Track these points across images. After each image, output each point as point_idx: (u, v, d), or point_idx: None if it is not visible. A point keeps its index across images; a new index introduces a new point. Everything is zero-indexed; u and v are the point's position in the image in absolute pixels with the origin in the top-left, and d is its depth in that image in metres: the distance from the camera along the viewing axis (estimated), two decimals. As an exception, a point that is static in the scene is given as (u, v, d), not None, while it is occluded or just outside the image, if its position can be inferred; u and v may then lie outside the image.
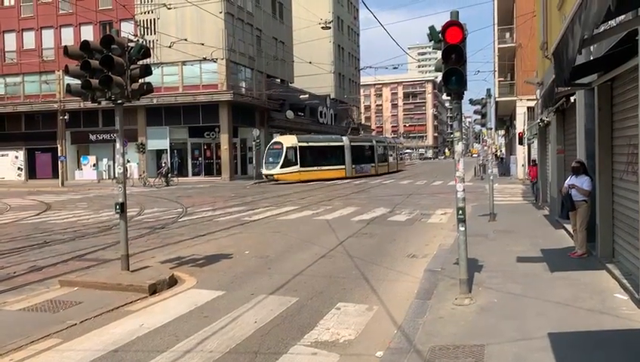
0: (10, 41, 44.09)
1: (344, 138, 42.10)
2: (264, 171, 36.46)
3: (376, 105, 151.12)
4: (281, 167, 35.79)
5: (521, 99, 31.97)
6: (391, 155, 51.49)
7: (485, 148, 29.54)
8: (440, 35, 6.54)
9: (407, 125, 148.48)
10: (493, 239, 11.29)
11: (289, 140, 37.31)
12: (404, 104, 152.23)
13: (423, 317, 6.10)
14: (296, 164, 36.43)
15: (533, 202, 18.61)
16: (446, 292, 7.06)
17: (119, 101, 8.24)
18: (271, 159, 36.23)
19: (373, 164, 45.18)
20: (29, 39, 43.66)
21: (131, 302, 7.20)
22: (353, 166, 41.57)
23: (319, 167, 38.10)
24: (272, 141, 39.15)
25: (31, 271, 9.33)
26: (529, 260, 8.91)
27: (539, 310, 6.19)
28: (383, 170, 47.39)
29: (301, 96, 49.24)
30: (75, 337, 5.84)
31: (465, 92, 6.84)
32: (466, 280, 6.86)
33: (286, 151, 36.13)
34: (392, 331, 5.82)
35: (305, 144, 37.54)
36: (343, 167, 40.26)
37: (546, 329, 5.49)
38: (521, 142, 29.82)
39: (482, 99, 15.28)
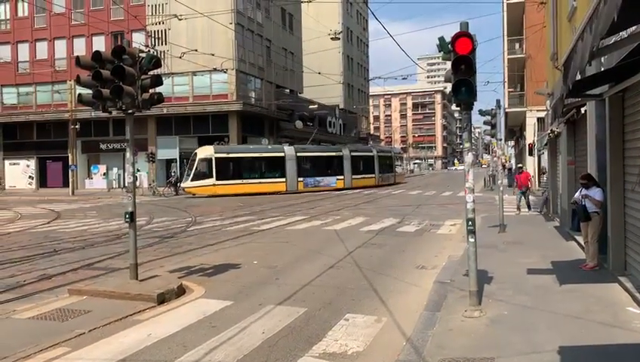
0: (24, 51, 44.73)
1: (286, 148, 37.75)
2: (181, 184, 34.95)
3: (385, 116, 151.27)
4: (192, 180, 33.73)
5: (531, 110, 31.83)
6: (383, 166, 45.55)
7: (495, 158, 29.45)
8: (450, 45, 6.54)
9: (417, 135, 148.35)
10: (503, 250, 11.20)
11: (204, 151, 34.43)
12: (413, 114, 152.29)
13: (432, 329, 6.05)
14: (211, 177, 33.74)
15: (539, 212, 18.47)
16: (455, 304, 7.00)
17: (130, 111, 8.30)
18: (187, 171, 34.48)
19: (340, 177, 39.84)
20: (42, 49, 44.27)
21: (140, 312, 7.20)
22: (301, 179, 37.39)
23: (247, 180, 35.11)
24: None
25: (41, 280, 9.37)
26: (539, 272, 8.82)
27: (549, 323, 6.11)
28: (362, 183, 41.69)
29: (310, 107, 49.47)
30: (84, 346, 5.83)
31: (475, 103, 6.84)
32: (476, 292, 6.80)
33: (197, 164, 33.96)
34: (401, 343, 5.77)
35: (224, 155, 34.55)
36: (283, 180, 36.50)
37: (557, 342, 5.42)
38: (531, 153, 29.71)
39: (492, 109, 15.26)
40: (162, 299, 7.70)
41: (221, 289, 8.45)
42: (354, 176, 41.10)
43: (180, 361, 5.38)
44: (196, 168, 33.77)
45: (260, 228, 16.42)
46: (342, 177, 40.01)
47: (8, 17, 45.17)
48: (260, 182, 35.81)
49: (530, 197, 20.26)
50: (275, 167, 36.92)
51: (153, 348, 5.77)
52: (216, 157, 34.10)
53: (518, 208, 18.77)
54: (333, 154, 41.19)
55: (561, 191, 15.26)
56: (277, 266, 10.36)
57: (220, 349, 5.67)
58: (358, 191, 37.88)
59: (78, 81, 8.34)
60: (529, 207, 19.44)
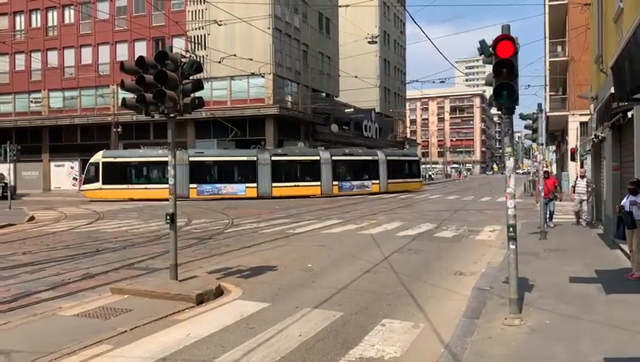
0: (70, 56, 46.26)
1: (177, 152, 34.74)
2: None
3: (422, 120, 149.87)
4: (84, 183, 34.97)
5: (573, 114, 31.02)
6: (368, 172, 39.66)
7: (535, 164, 28.79)
8: (491, 49, 6.45)
9: (454, 140, 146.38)
10: (544, 258, 10.93)
11: (95, 157, 34.85)
12: (451, 118, 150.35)
13: (471, 336, 5.95)
14: (97, 181, 34.11)
15: (575, 222, 17.02)
16: (495, 311, 6.87)
17: (172, 115, 8.48)
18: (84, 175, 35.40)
19: (252, 185, 35.28)
20: (87, 55, 45.69)
21: (179, 311, 7.34)
22: (194, 186, 34.64)
23: (137, 185, 34.45)
24: None
25: (84, 278, 9.66)
26: (582, 281, 8.57)
27: (593, 333, 5.93)
28: (312, 191, 36.38)
29: (346, 110, 49.46)
30: (126, 344, 5.98)
31: (516, 107, 6.71)
32: (516, 300, 6.66)
33: (87, 168, 34.92)
34: (438, 350, 5.70)
35: (111, 160, 34.43)
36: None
37: (602, 353, 5.26)
38: (573, 158, 28.89)
39: (533, 113, 14.94)
40: (201, 300, 7.82)
41: (258, 291, 8.52)
42: (310, 183, 37.00)
43: (218, 361, 5.46)
44: (87, 172, 34.90)
45: (295, 232, 16.50)
46: (254, 184, 35.46)
47: (56, 24, 46.85)
48: (153, 188, 33.45)
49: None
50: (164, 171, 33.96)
51: (192, 347, 5.87)
52: (104, 162, 34.47)
53: (577, 216, 16.35)
54: (310, 158, 37.51)
55: (605, 197, 14.80)
56: (313, 269, 10.38)
57: (258, 350, 5.72)
58: (393, 195, 37.62)
59: (123, 86, 8.58)
60: (551, 217, 16.26)
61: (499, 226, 16.98)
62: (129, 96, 8.71)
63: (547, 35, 35.73)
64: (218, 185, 35.44)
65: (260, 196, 34.86)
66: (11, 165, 30.75)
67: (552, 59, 34.60)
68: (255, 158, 35.44)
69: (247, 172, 35.70)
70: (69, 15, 46.18)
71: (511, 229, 6.62)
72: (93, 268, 10.69)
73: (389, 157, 40.80)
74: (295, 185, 36.15)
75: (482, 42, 6.59)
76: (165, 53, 8.25)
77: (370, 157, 40.14)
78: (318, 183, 36.85)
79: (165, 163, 34.17)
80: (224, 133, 42.04)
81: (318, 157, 37.23)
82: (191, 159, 34.82)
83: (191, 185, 34.61)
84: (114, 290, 8.43)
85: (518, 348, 5.56)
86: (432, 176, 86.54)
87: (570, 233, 15.08)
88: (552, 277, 8.87)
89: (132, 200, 33.58)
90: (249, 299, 7.99)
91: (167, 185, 28.83)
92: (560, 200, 16.34)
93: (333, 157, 37.76)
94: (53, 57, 46.33)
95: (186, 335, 6.27)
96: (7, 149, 27.71)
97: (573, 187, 16.42)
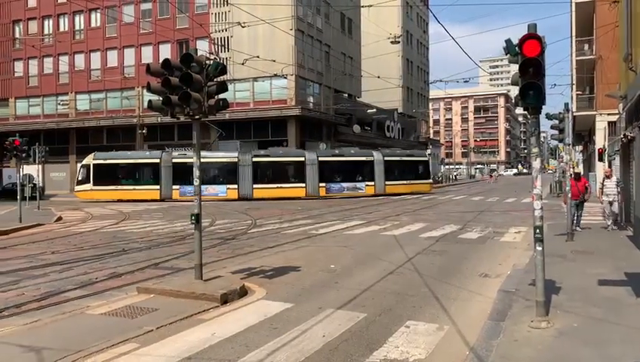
0: (96, 59, 47.13)
1: (163, 154, 36.39)
2: None
3: (446, 120, 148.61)
4: (77, 184, 36.52)
5: (601, 114, 30.45)
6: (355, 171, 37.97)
7: (562, 164, 28.34)
8: (517, 48, 6.36)
9: (478, 140, 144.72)
10: (571, 260, 10.74)
11: (87, 159, 36.54)
12: (475, 118, 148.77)
13: (496, 339, 5.88)
14: (89, 183, 35.71)
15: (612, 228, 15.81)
16: (521, 314, 6.78)
17: (197, 116, 8.56)
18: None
19: (233, 186, 35.10)
20: (112, 58, 46.50)
21: (204, 311, 7.41)
22: (176, 187, 35.07)
23: (125, 186, 35.70)
24: None
25: (111, 278, 9.82)
26: (612, 283, 8.39)
27: (624, 337, 5.81)
28: (297, 193, 35.52)
29: (368, 111, 49.31)
30: (152, 343, 6.06)
31: (543, 106, 6.61)
32: (543, 302, 6.56)
33: (79, 170, 36.47)
34: (463, 352, 5.65)
35: (101, 162, 35.92)
36: (157, 187, 35.37)
37: (633, 358, 5.15)
38: (600, 159, 28.31)
39: (560, 113, 14.66)
40: (225, 300, 7.89)
41: (281, 292, 8.55)
42: (290, 183, 36.32)
43: (242, 361, 5.50)
44: (79, 173, 36.39)
45: (318, 232, 16.51)
46: (234, 186, 35.27)
47: (82, 28, 47.75)
48: (139, 189, 35.51)
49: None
50: (151, 173, 36.06)
51: (217, 347, 5.92)
52: (94, 164, 35.74)
53: (606, 218, 15.65)
54: (294, 159, 36.82)
55: (635, 198, 14.46)
56: (336, 270, 10.38)
57: (282, 351, 5.74)
58: (416, 196, 37.38)
59: (149, 88, 8.69)
60: (578, 221, 15.55)
61: (524, 228, 16.73)
62: (155, 98, 8.83)
63: (574, 33, 35.12)
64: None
65: (241, 198, 34.79)
66: (40, 166, 31.49)
67: (578, 58, 34.00)
68: (236, 159, 35.45)
69: (228, 173, 35.60)
70: (96, 18, 47.06)
71: (538, 231, 6.52)
72: (120, 267, 10.86)
73: (387, 158, 38.62)
74: (278, 187, 35.54)
75: (508, 41, 6.50)
76: (190, 55, 8.34)
77: (363, 158, 38.24)
78: (303, 185, 36.06)
79: (151, 165, 35.95)
80: (247, 135, 42.39)
81: (302, 158, 36.37)
82: (174, 161, 35.52)
83: (174, 187, 35.29)
84: (140, 290, 8.55)
85: (545, 351, 5.48)
86: (457, 176, 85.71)
87: (599, 235, 14.78)
88: (579, 280, 8.71)
89: (120, 200, 34.67)
90: (273, 300, 8.03)
91: (152, 186, 30.50)
92: (586, 201, 15.86)
93: (320, 158, 36.60)
94: (80, 60, 47.29)
95: (211, 334, 6.33)
96: (36, 151, 28.36)
97: (601, 188, 15.95)
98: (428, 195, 37.94)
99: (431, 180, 41.96)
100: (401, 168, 39.73)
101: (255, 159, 35.61)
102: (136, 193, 35.14)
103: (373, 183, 37.65)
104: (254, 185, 35.25)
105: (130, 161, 36.66)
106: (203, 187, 34.43)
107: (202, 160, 30.54)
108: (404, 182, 39.05)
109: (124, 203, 33.53)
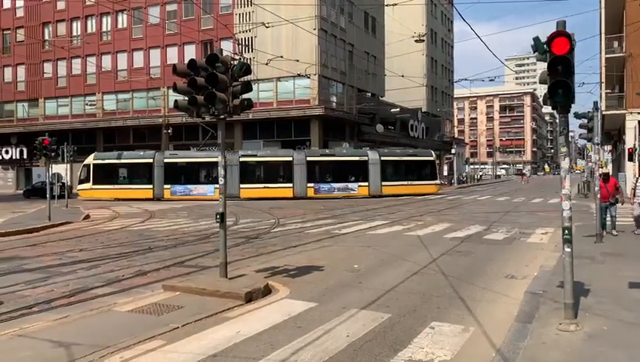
0: (122, 60, 47.88)
1: (156, 154, 37.21)
2: None
3: (471, 119, 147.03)
4: (79, 183, 37.51)
5: (631, 113, 29.81)
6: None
7: (590, 164, 27.81)
8: (545, 46, 6.25)
9: (504, 139, 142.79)
10: (600, 262, 10.52)
11: (88, 159, 37.60)
12: (500, 117, 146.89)
13: (523, 341, 5.79)
14: (89, 182, 36.89)
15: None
16: (549, 316, 6.66)
17: (222, 116, 8.63)
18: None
19: (217, 185, 37.14)
20: (139, 58, 47.16)
21: (229, 309, 7.46)
22: (167, 186, 36.02)
23: (122, 185, 36.86)
24: None
25: (137, 275, 9.97)
26: (643, 286, 8.20)
27: (656, 341, 5.67)
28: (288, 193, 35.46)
29: (392, 110, 49.06)
30: (178, 340, 6.13)
31: (572, 105, 6.49)
32: (572, 305, 6.43)
33: (81, 169, 37.46)
34: (490, 354, 5.58)
35: (100, 162, 37.29)
36: (150, 186, 36.20)
37: (666, 363, 5.02)
38: (630, 159, 27.73)
39: (588, 112, 14.39)
40: (249, 298, 7.93)
41: (305, 291, 8.56)
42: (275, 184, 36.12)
43: (267, 359, 5.52)
44: (80, 173, 37.49)
45: (340, 232, 16.50)
46: (290, 185, 35.73)
47: (109, 29, 48.55)
48: (134, 188, 36.46)
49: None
50: (145, 173, 37.18)
51: (242, 345, 5.96)
52: (94, 164, 37.08)
53: (637, 221, 14.42)
54: (281, 159, 36.76)
55: (666, 199, 14.08)
56: (359, 270, 10.35)
57: (306, 350, 5.75)
58: (441, 196, 37.06)
59: (175, 88, 8.79)
60: (613, 225, 14.59)
61: (551, 229, 16.47)
62: (180, 98, 8.92)
63: (603, 30, 34.42)
64: (189, 187, 36.36)
65: (227, 197, 34.56)
66: (68, 165, 32.15)
67: (608, 56, 33.31)
68: None
69: (215, 173, 34.57)
70: (122, 20, 47.79)
71: (566, 231, 6.40)
72: (146, 265, 11.01)
73: (384, 158, 37.57)
74: (265, 187, 35.60)
75: (536, 39, 6.39)
76: (216, 55, 8.41)
77: (356, 158, 37.52)
78: (290, 185, 35.87)
79: (144, 165, 36.78)
80: (270, 134, 42.57)
81: (290, 159, 36.17)
82: (165, 161, 36.47)
83: (165, 186, 36.22)
84: (166, 287, 8.66)
85: (574, 354, 5.37)
86: (481, 176, 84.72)
87: (629, 237, 14.44)
88: (609, 282, 8.53)
89: (117, 199, 35.37)
90: (296, 299, 8.05)
91: (146, 186, 31.59)
92: (622, 203, 15.04)
93: (308, 158, 36.25)
94: (107, 61, 48.06)
95: (235, 332, 6.37)
96: (65, 150, 28.94)
97: (634, 189, 15.19)
98: (451, 195, 37.56)
99: (438, 181, 40.69)
100: (402, 168, 38.68)
101: (242, 159, 35.92)
102: (130, 192, 36.21)
103: (367, 184, 36.77)
104: (241, 185, 35.40)
105: (125, 161, 37.93)
106: (191, 187, 36.23)
107: (190, 160, 31.35)
108: (405, 182, 37.73)
109: (133, 201, 34.04)
